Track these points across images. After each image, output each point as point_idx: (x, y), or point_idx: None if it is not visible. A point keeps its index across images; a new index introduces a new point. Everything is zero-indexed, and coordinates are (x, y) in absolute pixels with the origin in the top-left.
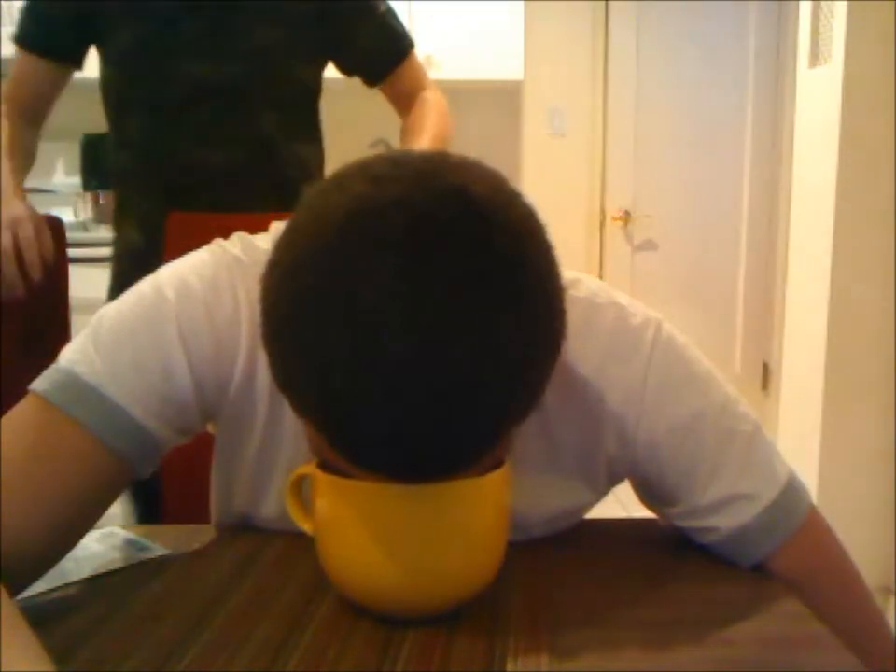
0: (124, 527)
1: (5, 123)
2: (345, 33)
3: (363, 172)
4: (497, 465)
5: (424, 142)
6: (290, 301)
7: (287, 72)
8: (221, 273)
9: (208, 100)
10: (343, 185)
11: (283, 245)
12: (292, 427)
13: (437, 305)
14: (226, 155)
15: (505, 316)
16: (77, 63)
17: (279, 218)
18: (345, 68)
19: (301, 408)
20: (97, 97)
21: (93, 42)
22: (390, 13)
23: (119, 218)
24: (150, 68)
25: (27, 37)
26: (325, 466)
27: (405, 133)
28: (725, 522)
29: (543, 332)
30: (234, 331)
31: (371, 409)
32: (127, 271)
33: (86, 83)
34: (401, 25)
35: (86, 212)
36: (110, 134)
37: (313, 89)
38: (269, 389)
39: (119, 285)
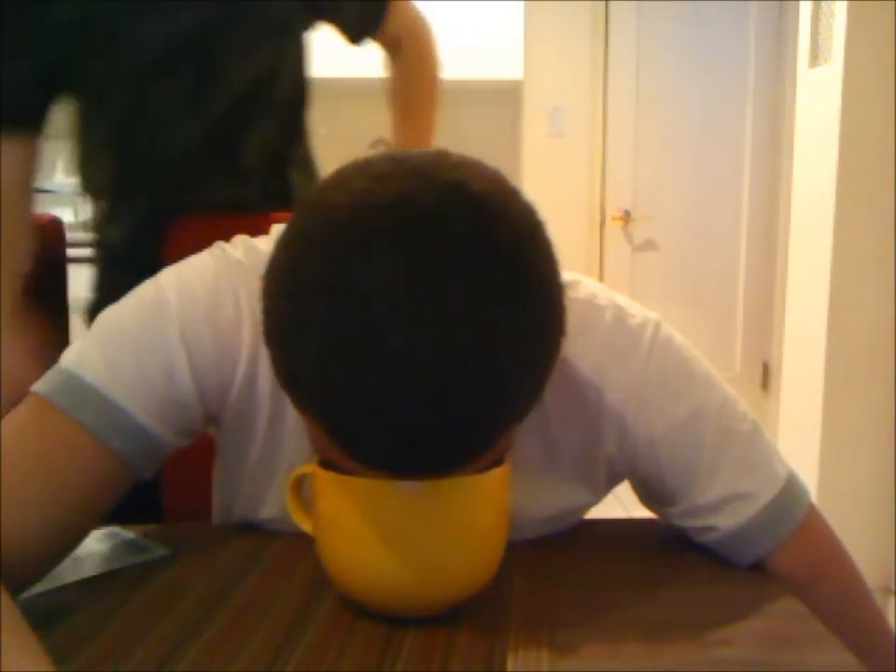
0: (124, 527)
1: None
2: (325, 16)
3: (364, 170)
4: (498, 462)
5: (418, 137)
6: (291, 298)
7: (273, 79)
8: (223, 275)
9: (205, 145)
10: (343, 183)
11: (284, 243)
12: (294, 429)
13: (437, 301)
14: (228, 191)
15: (505, 312)
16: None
17: (280, 220)
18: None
19: (303, 404)
20: None
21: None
22: None
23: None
24: (141, 132)
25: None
26: (326, 465)
27: (392, 99)
28: (725, 521)
29: (543, 327)
30: (236, 334)
31: (371, 404)
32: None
33: None
34: None
35: (86, 212)
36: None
37: (300, 76)
38: (270, 391)
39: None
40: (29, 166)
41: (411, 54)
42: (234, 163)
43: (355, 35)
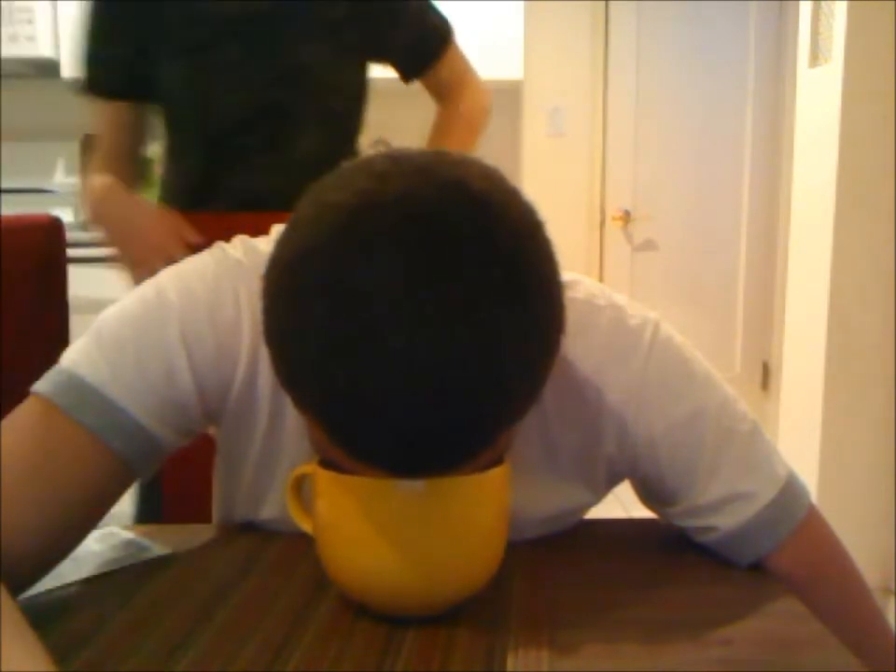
0: (124, 527)
1: (96, 177)
2: (380, 34)
3: (364, 169)
4: (497, 462)
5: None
6: (292, 297)
7: (330, 83)
8: (223, 276)
9: (252, 127)
10: (344, 182)
11: (284, 242)
12: (294, 429)
13: (437, 301)
14: (273, 180)
15: (505, 312)
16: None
17: (280, 220)
18: (379, 62)
19: (303, 404)
20: None
21: (146, 78)
22: (423, 7)
23: None
24: (193, 102)
25: (100, 83)
26: (326, 464)
27: (433, 132)
28: (724, 521)
29: (543, 327)
30: (236, 335)
31: (371, 404)
32: None
33: None
34: (438, 18)
35: (86, 212)
36: (167, 158)
37: (358, 95)
38: (270, 392)
39: None
40: (130, 126)
41: (460, 104)
42: (277, 151)
43: (408, 67)
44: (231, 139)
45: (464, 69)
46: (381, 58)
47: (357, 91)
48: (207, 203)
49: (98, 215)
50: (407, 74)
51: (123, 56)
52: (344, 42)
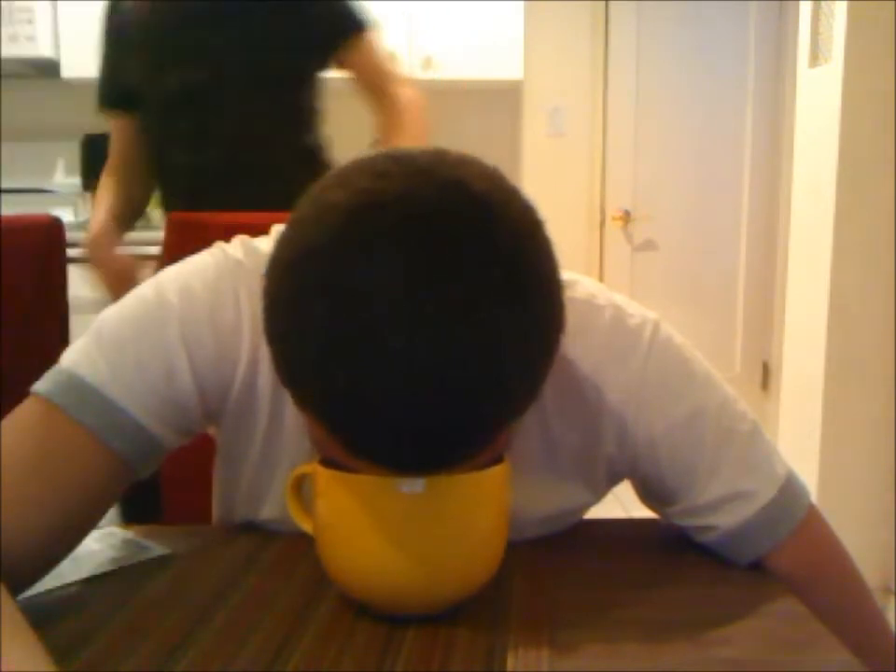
0: (124, 527)
1: (105, 179)
2: (301, 19)
3: (365, 168)
4: (497, 460)
5: (401, 142)
6: (292, 297)
7: (244, 63)
8: (223, 276)
9: (184, 105)
10: (344, 181)
11: (285, 241)
12: (294, 428)
13: (437, 301)
14: (204, 156)
15: (505, 312)
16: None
17: (280, 220)
18: (314, 54)
19: (303, 402)
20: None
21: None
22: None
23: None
24: (148, 85)
25: (101, 98)
26: (326, 464)
27: (381, 133)
28: (724, 520)
29: (543, 327)
30: (236, 335)
31: (371, 404)
32: None
33: (86, 83)
34: (355, 7)
35: (86, 212)
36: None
37: (282, 74)
38: (270, 392)
39: None
40: (131, 135)
41: (398, 98)
42: (202, 128)
43: (328, 38)
44: (172, 117)
45: (388, 61)
46: (300, 36)
47: (281, 70)
48: (162, 177)
49: (89, 256)
50: (328, 46)
51: (113, 75)
52: (254, 20)
